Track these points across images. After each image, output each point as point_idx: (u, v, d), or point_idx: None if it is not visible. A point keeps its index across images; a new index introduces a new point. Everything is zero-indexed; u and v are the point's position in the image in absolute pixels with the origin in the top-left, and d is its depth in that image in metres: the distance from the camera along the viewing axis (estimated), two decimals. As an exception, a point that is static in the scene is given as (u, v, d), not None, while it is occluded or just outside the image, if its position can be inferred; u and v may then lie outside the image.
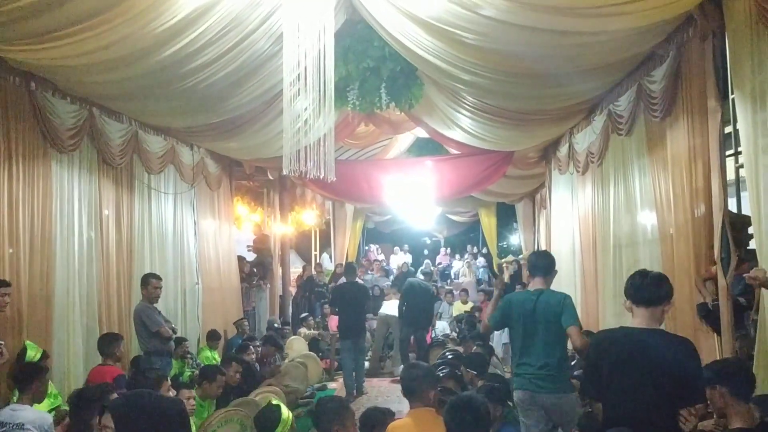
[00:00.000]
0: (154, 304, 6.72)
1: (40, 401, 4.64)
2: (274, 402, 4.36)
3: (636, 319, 3.28)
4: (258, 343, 8.79)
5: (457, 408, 3.07)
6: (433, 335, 11.77)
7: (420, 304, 10.46)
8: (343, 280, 10.44)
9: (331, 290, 11.47)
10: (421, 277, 11.96)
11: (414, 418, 3.68)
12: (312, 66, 4.91)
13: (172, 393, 4.31)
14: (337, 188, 11.34)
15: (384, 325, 11.03)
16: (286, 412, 4.11)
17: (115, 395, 3.78)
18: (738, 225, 4.72)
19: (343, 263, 15.20)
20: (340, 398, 4.88)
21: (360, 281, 11.31)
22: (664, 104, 5.53)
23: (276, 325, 11.00)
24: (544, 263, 4.82)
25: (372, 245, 20.85)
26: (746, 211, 5.09)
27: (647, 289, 3.24)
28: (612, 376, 3.23)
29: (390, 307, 10.89)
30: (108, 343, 5.86)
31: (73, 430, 3.80)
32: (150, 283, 6.75)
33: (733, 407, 3.15)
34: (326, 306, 12.92)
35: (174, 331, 6.91)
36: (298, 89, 5.07)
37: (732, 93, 4.77)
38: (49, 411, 5.01)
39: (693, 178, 5.15)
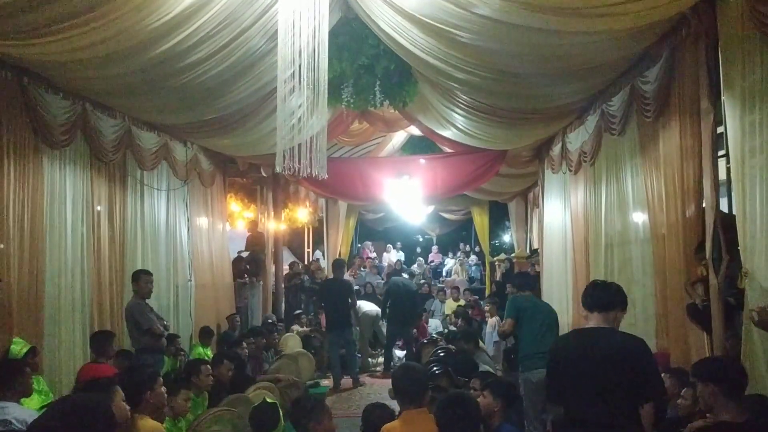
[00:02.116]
0: (147, 300, 6.70)
1: (26, 396, 4.62)
2: (270, 400, 4.35)
3: (590, 323, 3.55)
4: (252, 340, 8.79)
5: (448, 405, 3.09)
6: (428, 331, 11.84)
7: (404, 302, 10.54)
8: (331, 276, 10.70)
9: (320, 286, 11.55)
10: (405, 276, 12.05)
11: (404, 421, 3.65)
12: (306, 63, 4.90)
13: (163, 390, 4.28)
14: (331, 185, 11.36)
15: (367, 322, 11.09)
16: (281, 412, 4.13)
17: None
18: (729, 225, 4.74)
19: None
20: (315, 396, 4.89)
21: (348, 278, 11.36)
22: (656, 105, 5.56)
23: (270, 321, 10.98)
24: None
25: (367, 242, 20.82)
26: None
27: (597, 296, 3.55)
28: (567, 376, 3.43)
29: (366, 306, 10.95)
30: (100, 340, 5.85)
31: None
32: (141, 278, 6.74)
33: (724, 406, 3.22)
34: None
35: (166, 328, 6.90)
36: (293, 86, 5.06)
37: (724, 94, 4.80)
38: (40, 408, 4.99)
39: (685, 179, 5.17)
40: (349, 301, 10.11)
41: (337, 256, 16.61)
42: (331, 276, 11.62)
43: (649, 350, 3.40)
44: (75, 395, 2.30)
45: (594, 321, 3.51)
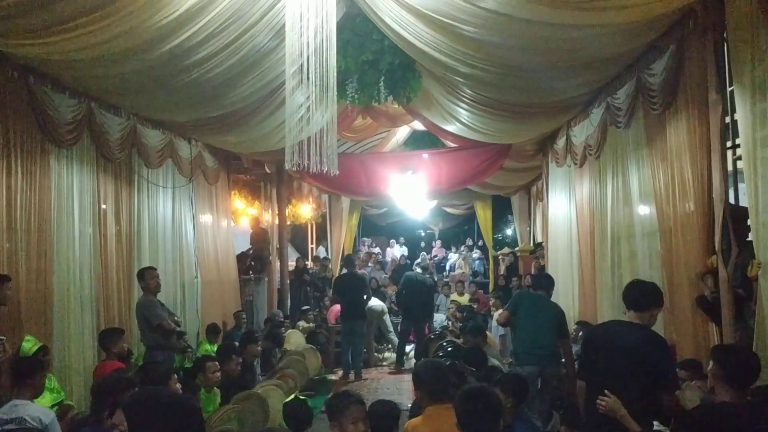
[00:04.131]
0: (157, 296, 6.72)
1: (38, 395, 4.64)
2: (301, 396, 4.38)
3: (626, 317, 3.95)
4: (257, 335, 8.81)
5: (469, 398, 3.10)
6: (431, 327, 11.83)
7: (419, 297, 10.59)
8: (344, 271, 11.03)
9: (335, 280, 11.63)
10: (419, 270, 12.05)
11: (428, 417, 3.62)
12: (314, 57, 4.90)
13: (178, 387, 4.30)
14: (335, 181, 11.34)
15: (373, 317, 11.15)
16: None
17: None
18: (737, 217, 4.74)
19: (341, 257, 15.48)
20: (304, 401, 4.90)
21: (360, 272, 11.47)
22: (663, 97, 5.55)
23: (278, 318, 10.99)
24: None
25: (364, 239, 20.83)
26: (743, 202, 5.13)
27: (633, 297, 3.92)
28: (596, 361, 3.89)
29: (371, 301, 11.01)
30: (109, 338, 5.86)
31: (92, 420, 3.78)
32: (146, 275, 6.75)
33: (724, 390, 3.28)
34: (326, 299, 13.00)
35: (178, 324, 6.91)
36: (299, 81, 5.07)
37: (730, 85, 4.79)
38: (52, 406, 5.02)
39: (693, 171, 5.16)
40: (365, 294, 10.28)
41: (341, 252, 16.71)
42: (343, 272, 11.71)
43: (669, 348, 3.80)
44: (161, 391, 2.23)
45: (629, 317, 3.90)
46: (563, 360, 6.45)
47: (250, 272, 11.82)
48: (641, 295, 3.90)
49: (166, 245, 8.67)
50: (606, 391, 3.58)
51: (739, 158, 4.89)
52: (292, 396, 5.03)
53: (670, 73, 5.42)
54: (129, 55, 5.46)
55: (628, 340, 3.76)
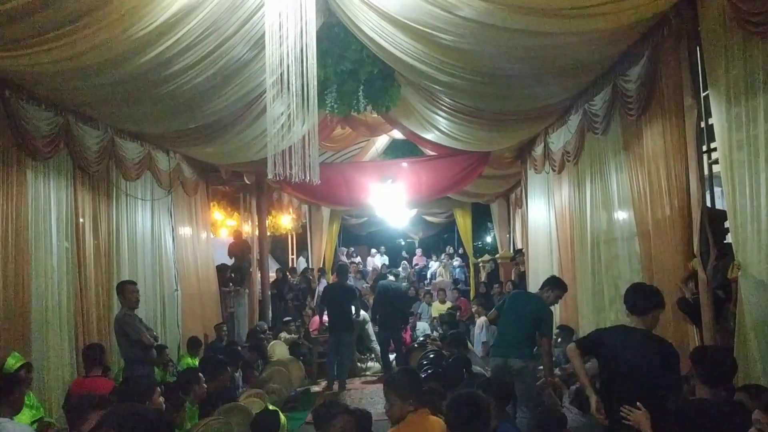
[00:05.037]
0: (136, 310, 6.64)
1: (17, 412, 4.55)
2: (271, 407, 4.33)
3: (631, 322, 4.01)
4: (240, 348, 8.75)
5: (459, 404, 3.11)
6: (413, 336, 11.83)
7: (394, 305, 10.55)
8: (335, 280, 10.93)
9: (324, 288, 11.56)
10: (391, 278, 12.08)
11: (406, 424, 3.61)
12: (293, 66, 4.90)
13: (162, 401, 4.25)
14: (315, 191, 11.33)
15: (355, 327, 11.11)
16: (282, 417, 4.10)
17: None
18: (715, 219, 4.82)
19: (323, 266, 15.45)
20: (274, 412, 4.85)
21: (350, 284, 11.37)
22: (639, 103, 5.63)
23: (260, 329, 10.90)
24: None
25: (343, 248, 20.81)
26: (719, 205, 5.22)
27: (633, 302, 4.00)
28: (609, 362, 3.95)
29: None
30: (92, 353, 5.78)
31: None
32: (126, 289, 6.66)
33: (701, 389, 3.45)
34: (308, 308, 12.95)
35: (155, 339, 6.83)
36: (279, 90, 5.05)
37: (704, 90, 4.87)
38: (31, 423, 4.93)
39: (670, 175, 5.25)
40: (352, 306, 10.15)
41: (322, 262, 16.66)
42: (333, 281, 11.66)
43: (676, 354, 3.84)
44: (132, 406, 2.26)
45: (633, 322, 3.97)
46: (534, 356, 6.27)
47: (231, 284, 11.73)
48: (642, 299, 3.97)
49: (145, 258, 8.58)
50: (638, 404, 3.50)
51: (716, 162, 4.96)
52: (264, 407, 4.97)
53: (645, 79, 5.50)
54: (106, 67, 5.41)
55: (639, 356, 3.81)
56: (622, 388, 3.74)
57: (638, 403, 3.48)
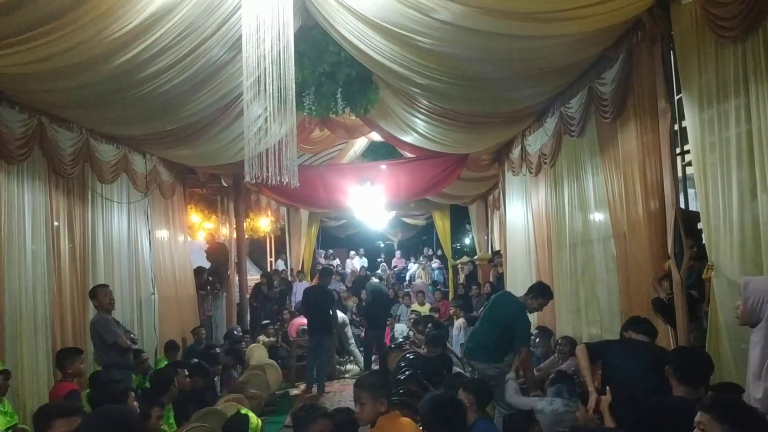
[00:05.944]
0: (112, 313, 6.57)
1: None
2: (243, 411, 4.31)
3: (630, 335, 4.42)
4: (218, 351, 8.69)
5: (434, 406, 3.11)
6: (392, 337, 11.85)
7: (382, 306, 10.67)
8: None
9: (304, 291, 11.54)
10: (376, 280, 12.14)
11: (378, 428, 3.60)
12: (271, 68, 4.88)
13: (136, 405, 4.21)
14: (293, 193, 11.30)
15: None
16: (255, 420, 4.08)
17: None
18: (689, 221, 4.89)
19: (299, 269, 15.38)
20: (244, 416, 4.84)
21: (330, 288, 11.36)
22: (614, 106, 5.70)
23: (236, 332, 10.87)
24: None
25: (320, 250, 20.77)
26: (692, 207, 5.30)
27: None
28: (616, 370, 4.11)
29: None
30: (66, 358, 5.71)
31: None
32: (98, 292, 6.61)
33: (677, 388, 3.47)
34: (285, 312, 12.91)
35: (134, 342, 6.76)
36: (257, 92, 5.02)
37: (678, 93, 4.95)
38: (6, 430, 4.87)
39: (644, 177, 5.31)
40: (330, 310, 10.19)
41: (301, 265, 16.61)
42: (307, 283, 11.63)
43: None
44: (109, 407, 2.35)
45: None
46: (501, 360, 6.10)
47: (208, 287, 11.65)
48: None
49: (121, 262, 8.48)
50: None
51: (689, 164, 5.04)
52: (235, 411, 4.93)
53: (620, 82, 5.57)
54: (81, 69, 5.35)
55: (639, 356, 4.08)
56: (625, 394, 3.87)
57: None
